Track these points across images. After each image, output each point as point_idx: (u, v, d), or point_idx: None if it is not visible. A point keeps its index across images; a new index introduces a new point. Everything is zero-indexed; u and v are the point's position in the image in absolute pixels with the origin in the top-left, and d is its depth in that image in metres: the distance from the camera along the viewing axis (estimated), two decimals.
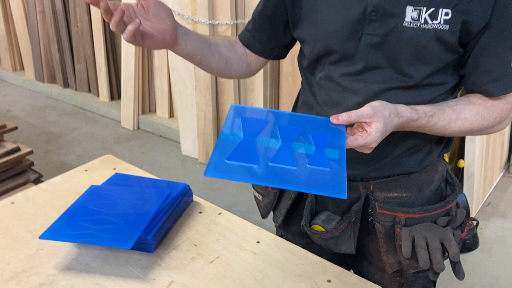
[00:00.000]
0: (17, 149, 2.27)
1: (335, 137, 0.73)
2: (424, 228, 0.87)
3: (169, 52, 3.17)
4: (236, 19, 2.58)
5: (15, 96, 4.34)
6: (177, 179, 1.45)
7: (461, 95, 0.87)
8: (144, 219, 0.92)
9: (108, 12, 0.73)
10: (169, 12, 0.81)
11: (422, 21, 0.76)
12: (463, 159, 2.25)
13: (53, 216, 1.03)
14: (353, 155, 0.80)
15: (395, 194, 0.90)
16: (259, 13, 0.97)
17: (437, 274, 0.87)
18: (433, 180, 0.92)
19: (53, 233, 0.89)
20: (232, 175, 0.67)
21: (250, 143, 0.72)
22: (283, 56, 1.02)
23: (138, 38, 0.77)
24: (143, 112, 3.57)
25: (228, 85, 2.74)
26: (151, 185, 1.07)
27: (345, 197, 0.65)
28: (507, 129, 2.69)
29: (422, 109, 0.79)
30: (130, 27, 0.73)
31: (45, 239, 0.89)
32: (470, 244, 0.99)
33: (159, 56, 3.31)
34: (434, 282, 0.98)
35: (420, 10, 0.76)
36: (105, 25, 3.63)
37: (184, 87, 2.93)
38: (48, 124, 3.74)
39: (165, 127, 3.39)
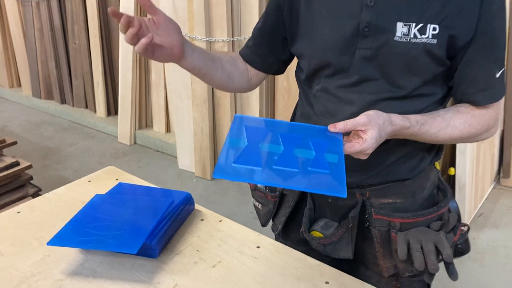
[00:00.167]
0: (16, 163, 2.30)
1: (333, 144, 0.77)
2: (419, 232, 0.91)
3: (166, 68, 3.23)
4: (233, 36, 2.65)
5: (12, 112, 4.37)
6: None
7: (450, 106, 0.93)
8: (148, 225, 0.95)
9: (126, 26, 0.78)
10: (177, 28, 0.86)
11: (412, 36, 0.82)
12: (454, 167, 2.31)
13: (59, 224, 1.06)
14: (350, 163, 0.85)
15: (390, 200, 0.94)
16: (259, 30, 1.03)
17: (432, 276, 0.91)
18: (426, 187, 0.97)
19: (60, 239, 0.92)
20: (238, 176, 0.72)
21: (254, 149, 0.76)
22: (282, 71, 1.08)
23: (149, 50, 0.82)
24: (140, 127, 3.61)
25: (225, 100, 2.79)
26: (154, 194, 1.11)
27: (345, 195, 0.69)
28: (497, 142, 2.75)
29: (414, 117, 0.84)
30: (144, 40, 0.78)
31: (52, 245, 0.92)
32: (462, 248, 1.03)
33: (156, 72, 3.36)
34: (429, 286, 1.02)
35: (409, 25, 0.82)
36: (103, 42, 3.69)
37: (181, 102, 2.98)
38: (45, 139, 3.76)
39: (162, 141, 3.43)
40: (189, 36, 2.69)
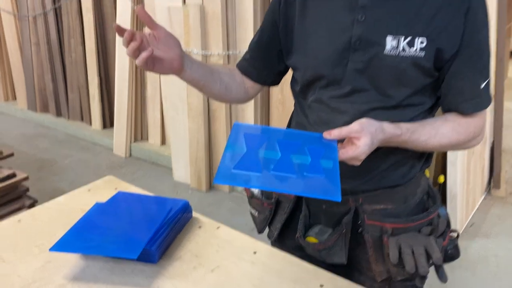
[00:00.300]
0: (13, 175, 2.32)
1: (328, 150, 0.81)
2: (410, 237, 0.95)
3: (162, 81, 3.28)
4: (228, 50, 2.70)
5: (7, 125, 4.38)
6: None
7: (438, 115, 0.97)
8: (147, 231, 0.98)
9: (129, 40, 0.82)
10: (177, 42, 0.90)
11: (401, 49, 0.86)
12: (443, 175, 2.36)
13: (60, 232, 1.08)
14: (343, 170, 0.88)
15: (382, 206, 0.98)
16: (255, 44, 1.07)
17: (423, 279, 0.95)
18: (416, 193, 1.00)
19: (62, 245, 0.95)
20: (238, 181, 0.76)
21: (253, 155, 0.80)
22: (277, 82, 1.12)
23: (150, 64, 0.86)
24: (135, 139, 3.64)
25: (220, 112, 2.83)
26: (153, 201, 1.14)
27: (339, 199, 0.73)
28: (487, 154, 2.81)
29: (405, 126, 0.88)
30: (144, 54, 0.82)
31: (55, 251, 0.94)
32: (452, 253, 1.06)
33: (152, 85, 3.40)
34: None
35: (399, 39, 0.86)
36: (99, 55, 3.74)
37: (177, 115, 3.01)
38: (40, 151, 3.77)
39: (157, 154, 3.45)
40: (185, 50, 2.73)
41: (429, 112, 0.96)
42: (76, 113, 4.11)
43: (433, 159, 2.41)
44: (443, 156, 2.40)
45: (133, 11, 3.27)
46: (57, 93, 4.21)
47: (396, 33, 0.86)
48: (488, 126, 2.78)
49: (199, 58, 2.70)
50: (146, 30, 2.96)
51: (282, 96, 2.68)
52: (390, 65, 0.87)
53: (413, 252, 0.92)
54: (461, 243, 2.28)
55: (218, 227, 1.10)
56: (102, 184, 1.33)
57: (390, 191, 0.97)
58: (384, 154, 0.93)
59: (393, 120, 0.88)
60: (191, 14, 2.70)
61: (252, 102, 2.70)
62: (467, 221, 2.56)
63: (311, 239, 1.01)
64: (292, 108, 1.12)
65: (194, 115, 2.87)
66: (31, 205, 2.34)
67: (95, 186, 1.32)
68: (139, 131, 3.64)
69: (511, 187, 2.94)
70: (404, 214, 0.98)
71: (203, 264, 0.97)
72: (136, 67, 3.44)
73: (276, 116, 2.77)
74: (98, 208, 1.08)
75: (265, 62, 1.07)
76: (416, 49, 0.86)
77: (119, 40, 3.41)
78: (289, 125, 1.11)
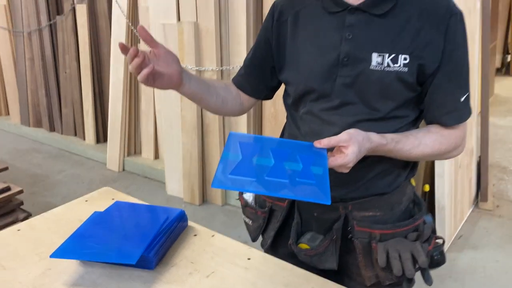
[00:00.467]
0: (8, 189, 2.34)
1: (318, 158, 0.86)
2: (397, 242, 1.00)
3: (156, 96, 3.33)
4: (221, 66, 2.76)
5: (0, 140, 4.39)
6: None
7: (422, 127, 1.03)
8: (145, 239, 1.02)
9: (133, 57, 0.87)
10: (176, 59, 0.95)
11: (386, 65, 0.92)
12: (428, 184, 2.42)
13: (58, 240, 1.10)
14: (333, 179, 0.93)
15: (371, 213, 1.03)
16: (249, 61, 1.14)
17: (410, 283, 1.00)
18: (402, 201, 1.05)
19: (62, 252, 0.98)
20: (234, 186, 0.81)
21: (248, 162, 0.85)
22: (271, 96, 1.18)
23: (150, 79, 0.91)
24: (129, 154, 3.67)
25: (214, 126, 2.88)
26: (150, 210, 1.18)
27: (329, 203, 0.78)
28: (474, 167, 2.88)
29: (390, 136, 0.93)
30: (145, 70, 0.87)
31: (55, 258, 0.97)
32: (438, 260, 1.11)
33: (146, 100, 3.45)
34: None
35: (383, 56, 0.92)
36: (93, 71, 3.78)
37: (171, 129, 3.06)
38: (33, 166, 3.78)
39: (150, 168, 3.48)
40: None
41: (413, 124, 1.02)
42: (70, 128, 4.14)
43: (422, 170, 2.47)
44: (431, 168, 2.46)
45: (128, 27, 3.33)
46: (50, 108, 4.24)
47: (381, 51, 0.92)
48: (475, 141, 2.86)
49: (193, 73, 2.76)
50: (142, 45, 3.02)
51: (275, 110, 2.74)
52: (376, 79, 0.93)
53: (400, 257, 0.96)
54: (450, 255, 2.33)
55: (213, 235, 1.14)
56: (99, 195, 1.37)
57: (377, 199, 1.02)
58: (371, 164, 0.98)
59: (379, 131, 0.94)
60: (185, 31, 2.76)
61: (245, 116, 2.76)
62: (456, 233, 2.61)
63: (303, 246, 1.05)
64: (284, 122, 1.17)
65: (187, 129, 2.92)
66: (25, 219, 2.35)
67: (92, 197, 1.36)
68: (132, 145, 3.67)
69: (498, 200, 3.01)
70: (391, 220, 1.03)
71: (199, 270, 1.01)
72: (130, 82, 3.49)
73: (268, 130, 2.82)
74: (97, 217, 1.12)
75: (259, 77, 1.12)
76: (399, 65, 0.92)
77: (113, 56, 3.47)
78: (281, 137, 1.16)
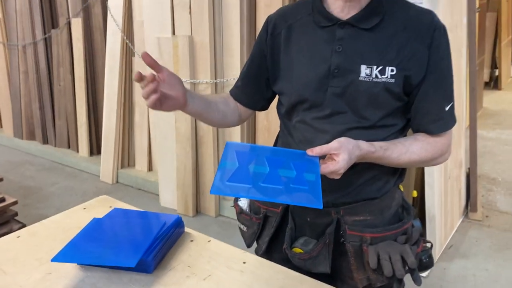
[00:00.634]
0: (2, 199, 2.35)
1: (311, 165, 0.91)
2: (387, 245, 1.04)
3: (150, 109, 3.37)
4: (216, 78, 2.82)
5: None
6: None
7: (409, 135, 1.08)
8: (144, 243, 1.05)
9: (149, 82, 0.91)
10: (179, 80, 0.99)
11: (374, 76, 0.98)
12: (416, 190, 2.48)
13: (58, 246, 1.13)
14: (325, 185, 0.97)
15: (361, 217, 1.07)
16: (245, 74, 1.19)
17: (400, 284, 1.03)
18: (392, 206, 1.10)
19: (63, 256, 1.01)
20: (232, 192, 0.85)
21: (244, 170, 0.89)
22: (267, 107, 1.23)
23: (158, 104, 0.94)
24: (122, 166, 3.68)
25: (208, 138, 2.92)
26: (148, 216, 1.21)
27: (321, 207, 0.82)
28: (463, 178, 2.94)
29: (379, 144, 0.98)
30: (154, 97, 0.91)
31: (56, 262, 1.00)
32: (426, 263, 1.15)
33: (140, 112, 3.49)
34: None
35: (372, 67, 0.98)
36: (88, 83, 3.82)
37: (165, 140, 3.09)
38: (26, 178, 3.78)
39: (144, 180, 3.50)
40: None
41: (401, 132, 1.07)
42: (63, 140, 4.15)
43: (412, 178, 2.52)
44: (421, 175, 2.50)
45: (123, 40, 3.38)
46: (44, 121, 4.26)
47: (369, 63, 0.98)
48: (464, 153, 2.92)
49: (187, 86, 2.80)
50: (136, 59, 3.06)
51: (268, 123, 2.78)
52: (364, 90, 0.98)
53: (390, 258, 1.01)
54: (441, 264, 2.38)
55: (209, 241, 1.18)
56: (96, 203, 1.40)
57: (368, 204, 1.06)
58: (361, 170, 1.03)
59: (369, 139, 0.98)
60: (180, 44, 2.82)
61: (239, 128, 2.80)
62: (446, 243, 2.65)
63: (297, 250, 1.09)
64: (276, 134, 1.22)
65: (181, 140, 2.96)
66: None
67: (90, 205, 1.39)
68: (126, 157, 3.70)
69: (487, 211, 3.06)
70: (381, 224, 1.07)
71: (196, 274, 1.04)
72: (125, 95, 3.53)
73: (262, 142, 2.87)
74: (96, 223, 1.15)
75: (255, 89, 1.17)
76: (387, 76, 0.97)
77: (108, 68, 3.51)
78: (275, 145, 1.20)
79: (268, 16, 1.13)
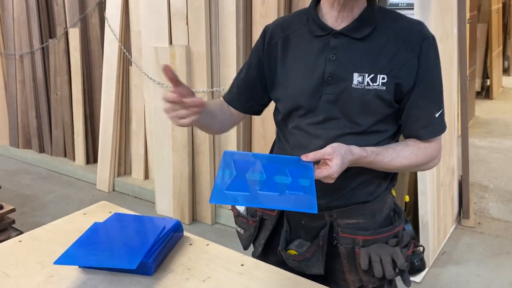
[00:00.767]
0: (0, 207, 2.36)
1: (305, 171, 0.94)
2: (378, 247, 1.08)
3: (147, 117, 3.40)
4: (212, 87, 2.86)
5: None
6: None
7: (401, 141, 1.12)
8: (144, 246, 1.08)
9: (191, 107, 0.94)
10: (192, 93, 0.99)
11: (366, 84, 1.02)
12: (408, 195, 2.52)
13: (60, 250, 1.16)
14: (319, 189, 1.01)
15: (354, 220, 1.10)
16: (242, 80, 1.22)
17: (391, 285, 1.07)
18: (383, 209, 1.14)
19: (66, 258, 1.04)
20: (231, 200, 0.89)
21: (242, 178, 0.93)
22: (260, 112, 1.26)
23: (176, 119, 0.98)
24: (119, 174, 3.70)
25: (204, 146, 2.96)
26: (148, 221, 1.24)
27: (316, 211, 0.86)
28: (455, 186, 2.99)
29: (370, 149, 1.02)
30: (194, 117, 0.96)
31: (59, 264, 1.03)
32: (418, 266, 1.19)
33: (137, 121, 3.52)
34: None
35: (364, 75, 1.02)
36: (85, 93, 3.85)
37: (162, 149, 3.12)
38: (22, 187, 3.79)
39: (140, 188, 3.52)
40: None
41: (392, 138, 1.11)
42: (60, 149, 4.17)
43: (406, 184, 2.56)
44: (414, 181, 2.55)
45: (120, 50, 3.43)
46: (40, 130, 4.28)
47: (361, 71, 1.02)
48: (456, 161, 2.98)
49: None
50: (133, 68, 3.08)
51: (264, 131, 2.83)
52: (357, 97, 1.03)
53: (381, 260, 1.04)
54: (434, 270, 2.41)
55: (207, 244, 1.21)
56: (96, 208, 1.43)
57: (360, 207, 1.10)
58: (354, 174, 1.07)
59: (361, 144, 1.02)
60: (177, 54, 2.86)
61: (235, 136, 2.84)
62: (440, 249, 2.69)
63: (292, 252, 1.12)
64: (272, 141, 1.26)
65: (178, 149, 2.99)
66: None
67: (90, 210, 1.42)
68: (122, 166, 3.72)
69: (480, 217, 3.11)
70: (373, 227, 1.11)
71: (195, 275, 1.07)
72: (121, 104, 3.57)
73: (258, 149, 2.90)
74: (97, 227, 1.18)
75: (251, 96, 1.21)
76: (378, 84, 1.02)
77: (105, 78, 3.55)
78: (271, 151, 1.24)
79: (266, 26, 1.18)
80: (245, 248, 1.25)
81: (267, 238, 1.19)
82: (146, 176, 3.62)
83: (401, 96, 1.04)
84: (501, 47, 6.67)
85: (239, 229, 1.26)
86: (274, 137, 1.25)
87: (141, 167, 3.60)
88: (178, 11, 2.88)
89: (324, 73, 1.04)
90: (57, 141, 4.16)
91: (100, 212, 1.39)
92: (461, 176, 3.04)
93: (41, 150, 4.33)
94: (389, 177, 1.14)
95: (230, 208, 1.30)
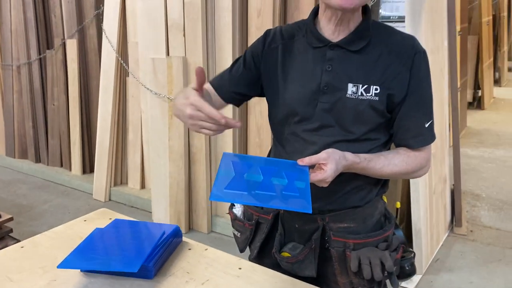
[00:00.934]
0: None
1: (301, 174, 0.99)
2: (368, 251, 1.12)
3: (143, 126, 3.44)
4: None
5: None
6: None
7: (392, 149, 1.17)
8: (145, 250, 1.11)
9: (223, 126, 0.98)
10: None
11: (359, 94, 1.07)
12: (399, 201, 2.56)
13: (61, 255, 1.19)
14: (313, 193, 1.04)
15: (345, 224, 1.15)
16: (236, 71, 1.21)
17: (380, 286, 1.11)
18: (374, 214, 1.18)
19: (69, 262, 1.07)
20: (230, 199, 0.93)
21: (240, 178, 0.97)
22: (240, 105, 1.28)
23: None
24: (115, 184, 3.73)
25: (200, 155, 2.99)
26: (148, 226, 1.27)
27: (310, 211, 0.90)
28: (448, 194, 3.04)
29: (363, 156, 1.07)
30: (219, 133, 0.99)
31: (62, 268, 1.06)
32: (409, 271, 1.23)
33: (134, 131, 3.56)
34: None
35: (358, 86, 1.07)
36: (82, 103, 3.89)
37: (158, 158, 3.15)
38: (18, 197, 3.80)
39: (137, 197, 3.55)
40: (168, 97, 2.93)
41: (384, 146, 1.16)
42: (56, 159, 4.19)
43: (398, 191, 2.61)
44: (407, 189, 2.59)
45: (117, 61, 3.47)
46: (37, 140, 4.30)
47: (355, 82, 1.07)
48: (448, 170, 3.03)
49: None
50: (130, 79, 3.13)
51: (260, 140, 2.87)
52: (351, 106, 1.07)
53: (370, 263, 1.09)
54: (427, 277, 2.45)
55: (206, 249, 1.24)
56: (96, 215, 1.46)
57: (351, 212, 1.15)
58: (347, 180, 1.11)
59: (354, 151, 1.07)
60: (174, 65, 2.91)
61: (231, 145, 2.88)
62: (433, 257, 2.73)
63: (285, 254, 1.17)
64: (267, 151, 1.30)
65: (175, 158, 3.02)
66: None
67: (91, 217, 1.45)
68: (119, 175, 3.74)
69: (472, 225, 3.16)
70: (364, 231, 1.15)
71: (194, 279, 1.10)
72: (118, 114, 3.60)
73: None
74: (99, 232, 1.21)
75: (236, 88, 1.21)
76: (371, 94, 1.06)
77: (102, 88, 3.59)
78: (268, 156, 1.29)
79: (267, 30, 1.22)
80: (242, 250, 1.29)
81: (262, 241, 1.23)
82: (143, 186, 3.65)
83: (393, 106, 1.09)
84: (491, 59, 6.80)
85: (236, 232, 1.30)
86: (270, 147, 1.30)
87: (137, 176, 3.62)
88: (175, 22, 2.93)
89: (320, 83, 1.09)
90: (54, 151, 4.19)
91: (100, 219, 1.42)
92: (453, 184, 3.09)
93: (37, 160, 4.34)
94: (380, 183, 1.19)
95: (228, 212, 1.34)
